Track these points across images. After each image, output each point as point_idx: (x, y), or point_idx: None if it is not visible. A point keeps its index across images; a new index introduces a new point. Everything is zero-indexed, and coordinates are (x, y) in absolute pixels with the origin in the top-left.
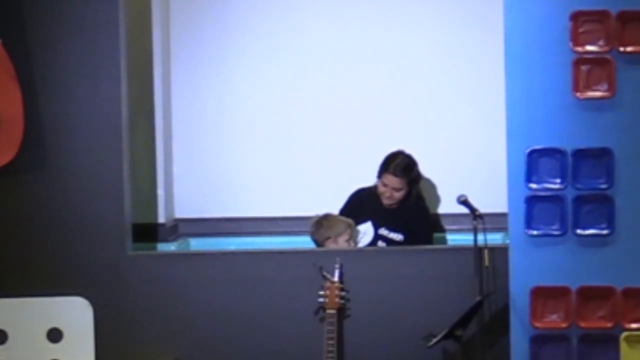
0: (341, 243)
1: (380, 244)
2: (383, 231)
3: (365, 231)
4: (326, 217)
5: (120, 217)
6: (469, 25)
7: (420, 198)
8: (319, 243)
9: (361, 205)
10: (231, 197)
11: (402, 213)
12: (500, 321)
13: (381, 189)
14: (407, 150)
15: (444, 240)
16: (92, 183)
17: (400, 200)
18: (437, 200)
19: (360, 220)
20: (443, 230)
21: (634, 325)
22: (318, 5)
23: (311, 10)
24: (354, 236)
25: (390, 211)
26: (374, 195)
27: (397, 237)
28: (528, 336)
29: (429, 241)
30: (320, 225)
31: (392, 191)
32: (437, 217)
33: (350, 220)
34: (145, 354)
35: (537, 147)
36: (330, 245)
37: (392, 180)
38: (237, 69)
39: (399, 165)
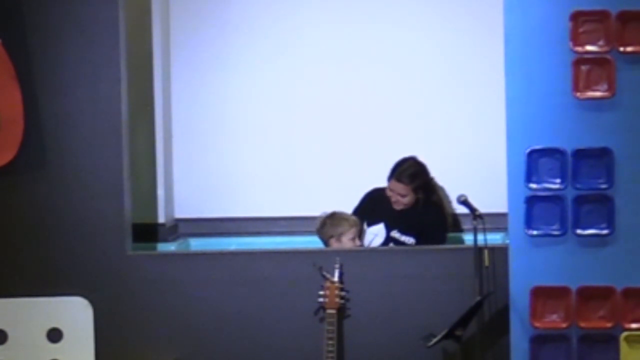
0: (345, 242)
1: (392, 246)
2: (395, 233)
3: (378, 233)
4: (331, 216)
5: (120, 217)
6: (469, 25)
7: (435, 203)
8: (324, 241)
9: (374, 205)
10: (231, 197)
11: (415, 216)
12: (500, 321)
13: (388, 192)
14: (407, 150)
15: (460, 240)
16: (92, 183)
17: (408, 205)
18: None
19: (373, 221)
20: (461, 230)
21: (634, 325)
22: (318, 5)
23: (311, 10)
24: (361, 234)
25: (403, 213)
26: (387, 197)
27: (408, 240)
28: (528, 336)
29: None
30: (324, 224)
31: (398, 196)
32: (455, 217)
33: (355, 219)
34: (145, 354)
35: (537, 147)
36: (334, 244)
37: (396, 186)
38: (237, 69)
39: (405, 172)
